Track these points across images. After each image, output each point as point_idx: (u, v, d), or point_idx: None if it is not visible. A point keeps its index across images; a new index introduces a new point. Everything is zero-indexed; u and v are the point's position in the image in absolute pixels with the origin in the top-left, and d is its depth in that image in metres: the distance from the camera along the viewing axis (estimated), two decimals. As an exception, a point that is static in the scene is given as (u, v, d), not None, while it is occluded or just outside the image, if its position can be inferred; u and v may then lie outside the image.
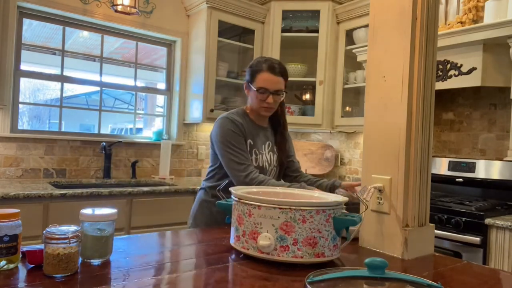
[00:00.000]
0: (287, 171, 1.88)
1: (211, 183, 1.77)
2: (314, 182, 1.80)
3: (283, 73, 1.71)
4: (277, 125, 1.85)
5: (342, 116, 3.43)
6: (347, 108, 3.57)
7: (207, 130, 3.68)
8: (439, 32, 2.16)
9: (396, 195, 1.22)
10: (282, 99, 1.75)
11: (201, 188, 1.86)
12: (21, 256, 0.94)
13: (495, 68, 2.42)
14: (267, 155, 1.75)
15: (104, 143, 3.04)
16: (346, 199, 1.10)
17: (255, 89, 1.69)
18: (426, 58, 1.24)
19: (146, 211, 2.70)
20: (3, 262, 0.89)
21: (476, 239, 2.09)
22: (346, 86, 3.45)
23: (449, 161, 2.78)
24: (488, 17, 2.47)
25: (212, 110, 3.27)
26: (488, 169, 2.56)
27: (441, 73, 2.60)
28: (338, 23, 3.47)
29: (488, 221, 2.06)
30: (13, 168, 2.80)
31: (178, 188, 2.82)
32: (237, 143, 1.65)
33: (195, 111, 3.38)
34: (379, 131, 1.29)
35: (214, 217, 1.73)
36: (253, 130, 1.74)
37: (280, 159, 1.81)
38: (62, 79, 3.10)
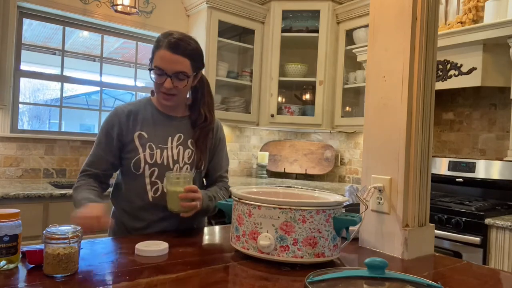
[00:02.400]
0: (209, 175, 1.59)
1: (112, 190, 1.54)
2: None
3: (187, 52, 1.34)
4: (196, 116, 1.48)
5: (342, 116, 3.43)
6: (347, 108, 3.57)
7: (207, 130, 3.67)
8: (439, 32, 2.16)
9: (396, 195, 1.22)
10: (186, 85, 1.37)
11: None
12: (21, 256, 0.94)
13: (495, 68, 2.42)
14: (173, 150, 1.42)
15: (104, 143, 3.04)
16: (346, 199, 1.10)
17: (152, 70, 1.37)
18: (426, 58, 1.24)
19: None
20: (3, 262, 0.89)
21: (476, 239, 2.09)
22: (346, 86, 3.45)
23: (449, 161, 2.78)
24: (488, 17, 2.47)
25: (212, 110, 3.27)
26: (488, 169, 2.56)
27: (441, 73, 2.60)
28: (338, 23, 3.48)
29: (488, 221, 2.06)
30: (13, 168, 2.80)
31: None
32: (100, 140, 1.42)
33: (195, 111, 3.37)
34: (379, 131, 1.29)
35: (126, 230, 1.44)
36: (154, 120, 1.44)
37: (198, 157, 1.45)
38: (62, 79, 3.10)
